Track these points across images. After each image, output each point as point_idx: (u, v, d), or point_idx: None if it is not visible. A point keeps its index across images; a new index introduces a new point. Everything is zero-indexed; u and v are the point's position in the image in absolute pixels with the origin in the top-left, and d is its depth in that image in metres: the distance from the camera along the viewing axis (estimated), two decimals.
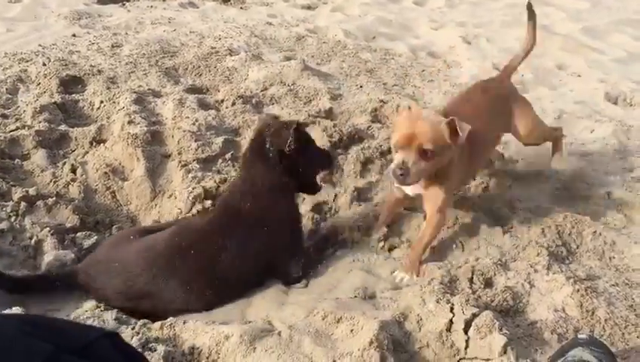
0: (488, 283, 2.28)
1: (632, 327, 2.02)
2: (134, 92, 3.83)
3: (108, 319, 2.12)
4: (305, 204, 2.86)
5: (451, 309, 2.02)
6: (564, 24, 6.80)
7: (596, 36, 6.40)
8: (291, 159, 2.35)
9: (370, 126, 3.54)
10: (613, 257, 2.51)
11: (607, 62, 5.52)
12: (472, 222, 2.70)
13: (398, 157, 2.24)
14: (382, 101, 3.89)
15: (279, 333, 2.00)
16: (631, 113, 4.32)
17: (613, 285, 2.27)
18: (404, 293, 2.22)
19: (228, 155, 3.18)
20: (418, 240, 2.44)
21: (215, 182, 2.89)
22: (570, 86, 4.83)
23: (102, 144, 3.28)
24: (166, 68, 4.42)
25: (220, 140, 3.27)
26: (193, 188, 2.86)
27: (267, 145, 2.34)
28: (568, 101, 4.32)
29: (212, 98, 3.94)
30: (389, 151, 3.26)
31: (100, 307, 2.20)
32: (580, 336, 1.87)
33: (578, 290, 2.15)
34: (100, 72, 4.20)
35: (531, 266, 2.34)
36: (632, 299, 2.20)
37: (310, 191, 2.64)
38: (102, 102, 3.71)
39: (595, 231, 2.61)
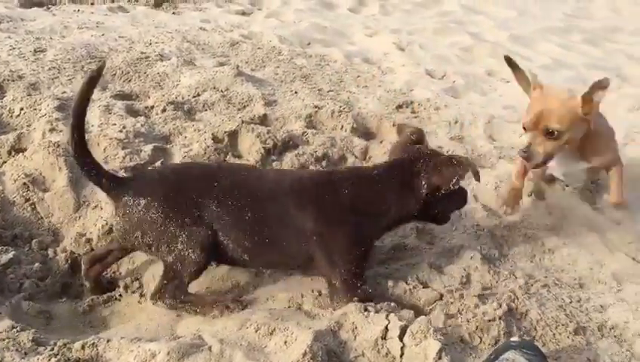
0: (425, 287, 2.27)
1: (563, 328, 2.05)
2: (57, 98, 3.64)
3: (24, 340, 1.97)
4: None
5: (387, 316, 1.99)
6: (493, 32, 7.01)
7: (523, 44, 6.62)
8: (436, 196, 2.17)
9: (305, 132, 3.50)
10: (543, 258, 2.56)
11: (535, 68, 5.67)
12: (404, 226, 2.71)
13: (524, 138, 2.28)
14: (317, 107, 3.86)
15: (210, 348, 1.91)
16: None
17: (544, 286, 2.31)
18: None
19: (158, 163, 3.06)
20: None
21: None
22: (499, 91, 4.96)
23: (21, 153, 3.09)
24: None
25: (149, 148, 3.14)
26: None
27: (418, 179, 2.15)
28: (498, 106, 4.42)
29: (141, 104, 3.80)
30: (324, 157, 3.25)
31: (15, 327, 2.04)
32: (512, 339, 1.88)
33: (511, 293, 2.17)
34: (20, 77, 3.98)
35: (464, 269, 2.35)
36: (562, 299, 2.24)
37: (439, 222, 2.44)
38: (22, 109, 3.52)
39: (525, 234, 2.66)
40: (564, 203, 3.02)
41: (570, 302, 2.22)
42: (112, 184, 2.26)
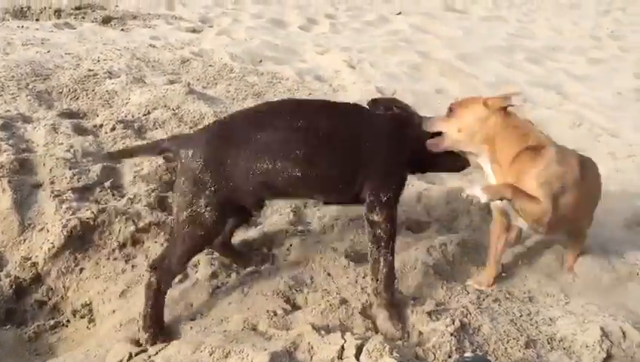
0: None
1: (514, 341, 2.09)
2: (1, 117, 3.52)
3: None
4: None
5: (342, 335, 1.99)
6: (441, 51, 7.19)
7: (470, 62, 6.82)
8: None
9: None
10: None
11: (481, 86, 5.88)
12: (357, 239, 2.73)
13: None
14: None
15: None
16: None
17: (495, 300, 2.36)
18: (294, 321, 2.17)
19: (107, 184, 2.99)
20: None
21: (92, 212, 2.69)
22: None
23: None
24: (38, 91, 4.12)
25: (97, 168, 3.07)
26: (68, 220, 2.65)
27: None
28: None
29: (89, 123, 3.71)
30: None
31: None
32: (465, 355, 1.91)
33: (463, 308, 2.21)
34: None
35: (419, 287, 2.37)
36: (513, 313, 2.28)
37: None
38: None
39: (477, 250, 2.71)
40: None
41: (521, 316, 2.27)
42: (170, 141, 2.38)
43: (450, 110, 2.37)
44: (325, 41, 7.18)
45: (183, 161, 2.22)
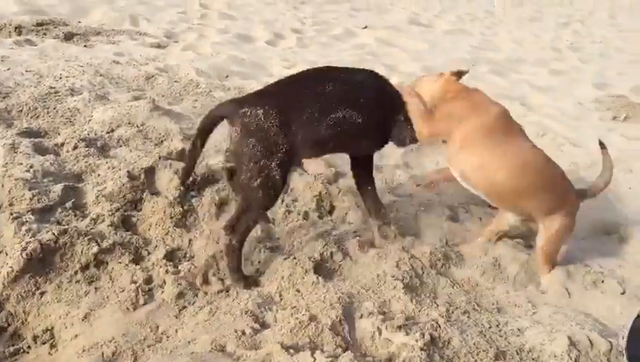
0: (350, 322, 2.27)
1: (484, 354, 2.10)
2: None
3: None
4: (156, 251, 2.68)
5: (312, 353, 1.96)
6: (407, 64, 7.27)
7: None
8: None
9: (225, 166, 3.45)
10: (463, 285, 2.62)
11: None
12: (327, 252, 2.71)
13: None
14: None
15: None
16: None
17: (464, 312, 2.36)
18: (263, 340, 2.13)
19: (68, 204, 2.91)
20: None
21: (53, 234, 2.62)
22: None
23: None
24: None
25: (59, 188, 2.98)
26: (27, 243, 2.56)
27: None
28: None
29: (51, 142, 3.62)
30: None
31: None
32: None
33: (433, 321, 2.20)
34: None
35: (389, 301, 2.36)
36: (482, 324, 2.29)
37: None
38: None
39: (445, 263, 2.72)
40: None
41: (490, 327, 2.28)
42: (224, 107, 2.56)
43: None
44: (292, 55, 7.18)
45: (251, 122, 2.32)
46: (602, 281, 2.71)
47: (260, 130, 2.33)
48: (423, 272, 2.62)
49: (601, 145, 2.89)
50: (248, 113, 2.34)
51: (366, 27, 9.46)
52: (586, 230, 3.30)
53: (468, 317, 2.33)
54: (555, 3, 15.03)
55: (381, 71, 6.57)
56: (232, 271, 2.48)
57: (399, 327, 2.14)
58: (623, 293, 2.64)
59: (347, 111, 2.46)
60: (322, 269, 2.61)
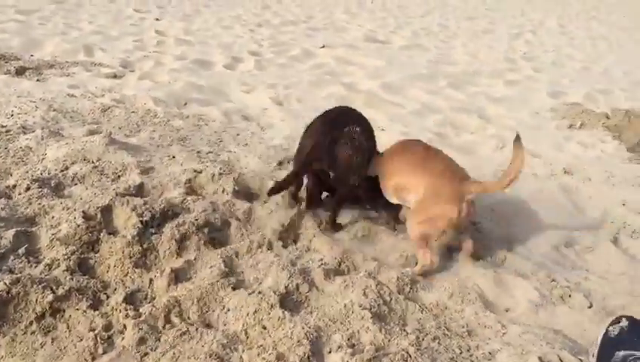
0: (319, 358, 2.21)
1: None
2: None
3: None
4: (115, 294, 2.59)
5: None
6: (366, 81, 7.31)
7: (394, 91, 6.96)
8: None
9: (184, 199, 3.37)
10: (432, 309, 2.59)
11: (406, 115, 5.99)
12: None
13: None
14: (196, 171, 3.75)
15: None
16: None
17: (434, 339, 2.33)
18: None
19: (21, 250, 2.79)
20: None
21: (5, 284, 2.49)
22: (377, 140, 5.10)
23: None
24: None
25: (10, 234, 2.86)
26: None
27: None
28: None
29: (2, 184, 3.48)
30: (206, 224, 3.13)
31: None
32: None
33: (404, 351, 2.16)
34: None
35: (358, 332, 2.32)
36: (453, 350, 2.27)
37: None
38: None
39: (413, 284, 2.69)
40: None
41: (461, 353, 2.25)
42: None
43: None
44: (251, 78, 7.15)
45: (357, 139, 3.23)
46: (569, 296, 2.72)
47: (365, 148, 3.25)
48: (391, 298, 2.58)
49: (517, 138, 3.18)
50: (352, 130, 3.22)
51: (324, 46, 9.50)
52: (547, 243, 3.32)
53: (438, 343, 2.29)
54: (507, 15, 15.40)
55: (340, 90, 6.66)
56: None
57: (369, 360, 2.10)
58: (590, 307, 2.65)
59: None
60: (288, 302, 2.54)
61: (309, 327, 2.30)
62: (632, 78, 9.06)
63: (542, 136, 5.61)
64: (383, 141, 4.83)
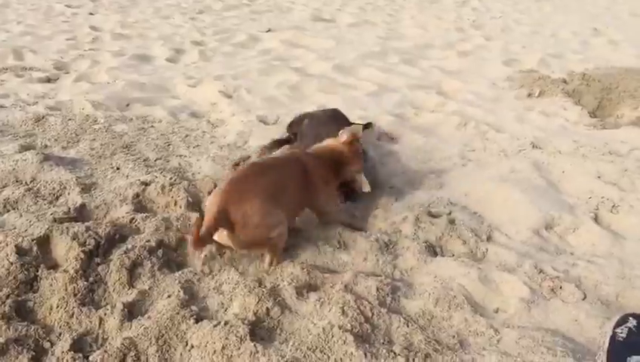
0: None
1: None
2: None
3: None
4: (60, 341, 2.26)
5: None
6: (317, 64, 7.01)
7: (347, 72, 6.69)
8: None
9: (133, 218, 3.04)
10: (417, 319, 2.37)
11: (362, 97, 5.74)
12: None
13: None
14: (144, 183, 3.41)
15: None
16: (392, 146, 4.45)
17: (425, 357, 2.10)
18: None
19: None
20: None
21: None
22: None
23: None
24: None
25: None
26: None
27: None
28: None
29: None
30: (160, 245, 2.82)
31: None
32: None
33: None
34: None
35: (341, 360, 2.07)
36: None
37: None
38: None
39: (393, 292, 2.46)
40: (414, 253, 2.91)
41: None
42: None
43: None
44: (196, 71, 6.75)
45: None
46: (560, 287, 2.53)
47: None
48: (373, 314, 2.33)
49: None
50: None
51: (269, 30, 9.16)
52: (526, 227, 3.14)
53: (430, 361, 2.07)
54: None
55: (292, 76, 6.35)
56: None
57: None
58: (584, 299, 2.47)
59: None
60: (260, 331, 2.26)
61: (286, 361, 2.03)
62: (581, 39, 9.03)
63: (503, 109, 5.45)
64: None
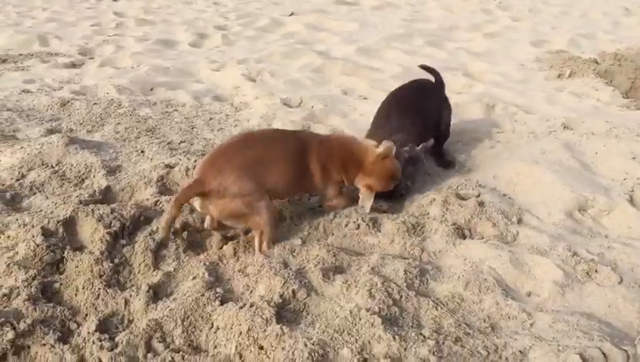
0: None
1: None
2: None
3: None
4: (87, 321, 2.25)
5: None
6: (340, 47, 6.93)
7: (371, 55, 6.59)
8: None
9: (157, 200, 3.02)
10: (447, 302, 2.30)
11: (387, 80, 5.64)
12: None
13: None
14: (168, 166, 3.40)
15: None
16: None
17: (456, 341, 2.04)
18: None
19: None
20: None
21: None
22: (359, 110, 4.78)
23: None
24: None
25: None
26: None
27: None
28: (361, 127, 4.21)
29: None
30: (185, 227, 2.80)
31: None
32: None
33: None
34: None
35: (369, 343, 2.02)
36: (479, 352, 1.98)
37: None
38: None
39: (422, 275, 2.40)
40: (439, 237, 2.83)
41: (488, 355, 1.96)
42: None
43: None
44: (219, 55, 6.73)
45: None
46: (596, 271, 2.44)
47: None
48: (401, 296, 2.27)
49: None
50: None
51: (292, 14, 9.08)
52: (558, 209, 3.04)
53: (461, 346, 2.00)
54: None
55: (315, 59, 6.27)
56: None
57: None
58: (620, 282, 2.38)
59: None
60: (286, 314, 2.22)
61: (313, 344, 1.99)
62: (612, 19, 8.77)
63: (532, 90, 5.31)
64: (369, 111, 4.54)
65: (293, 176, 2.78)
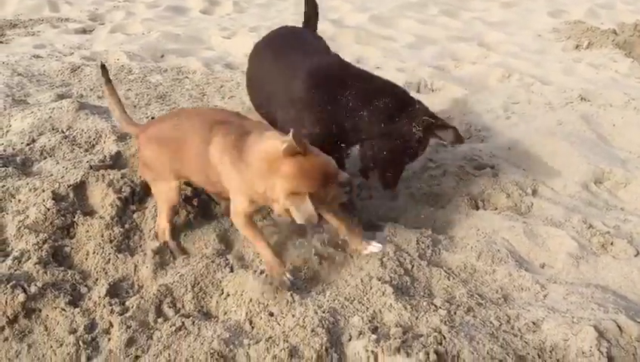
0: (339, 348, 1.90)
1: None
2: None
3: None
4: (97, 286, 2.25)
5: None
6: (353, 16, 6.80)
7: (385, 24, 6.47)
8: None
9: None
10: (459, 273, 2.28)
11: (401, 49, 5.54)
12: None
13: None
14: None
15: None
16: (433, 99, 4.28)
17: (468, 310, 2.02)
18: None
19: None
20: None
21: None
22: None
23: None
24: None
25: None
26: None
27: None
28: None
29: None
30: (196, 193, 2.78)
31: None
32: None
33: (436, 332, 1.85)
34: None
35: (380, 312, 2.00)
36: (491, 322, 1.96)
37: None
38: None
39: (434, 245, 2.37)
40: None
41: (501, 325, 1.95)
42: None
43: None
44: (231, 22, 6.63)
45: None
46: (611, 243, 2.41)
47: None
48: (413, 266, 2.25)
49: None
50: None
51: None
52: (574, 181, 2.99)
53: (473, 316, 1.99)
54: None
55: (328, 28, 6.17)
56: None
57: (397, 349, 1.79)
58: (636, 255, 2.34)
59: None
60: (297, 281, 2.21)
61: (323, 311, 1.98)
62: None
63: (549, 61, 5.20)
64: None
65: (201, 163, 2.32)
